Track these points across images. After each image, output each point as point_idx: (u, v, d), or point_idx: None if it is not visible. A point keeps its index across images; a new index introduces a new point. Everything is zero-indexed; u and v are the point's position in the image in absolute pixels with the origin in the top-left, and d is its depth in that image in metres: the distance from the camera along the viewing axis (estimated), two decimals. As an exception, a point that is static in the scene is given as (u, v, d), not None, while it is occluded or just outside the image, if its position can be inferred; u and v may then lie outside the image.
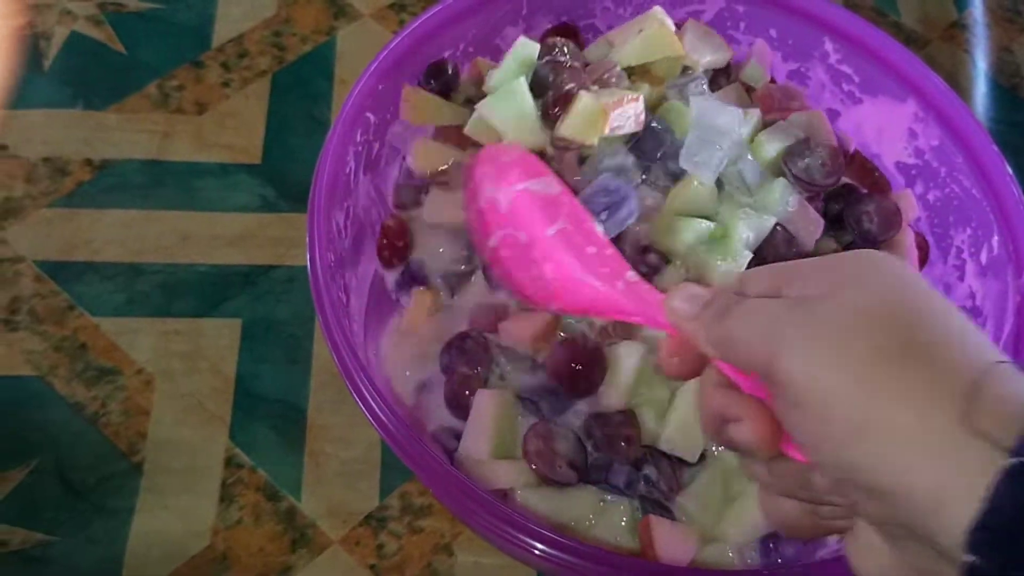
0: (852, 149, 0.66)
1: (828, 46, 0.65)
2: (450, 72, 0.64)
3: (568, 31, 0.65)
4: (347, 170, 0.57)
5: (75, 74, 0.75)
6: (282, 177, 0.71)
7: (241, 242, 0.69)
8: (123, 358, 0.64)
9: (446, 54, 0.63)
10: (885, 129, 0.65)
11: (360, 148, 0.58)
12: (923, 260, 0.63)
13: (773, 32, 0.67)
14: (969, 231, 0.61)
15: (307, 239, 0.53)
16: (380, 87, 0.59)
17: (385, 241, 0.62)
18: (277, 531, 0.59)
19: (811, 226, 0.59)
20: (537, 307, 0.47)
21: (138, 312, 0.66)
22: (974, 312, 0.60)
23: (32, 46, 0.75)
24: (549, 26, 0.67)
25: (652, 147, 0.59)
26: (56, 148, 0.71)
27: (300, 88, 0.76)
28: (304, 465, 0.61)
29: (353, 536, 0.60)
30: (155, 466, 0.61)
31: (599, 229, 0.45)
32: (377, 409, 0.48)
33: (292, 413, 0.63)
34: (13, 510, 0.59)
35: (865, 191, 0.64)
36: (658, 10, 0.64)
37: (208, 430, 0.62)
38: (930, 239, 0.64)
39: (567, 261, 0.43)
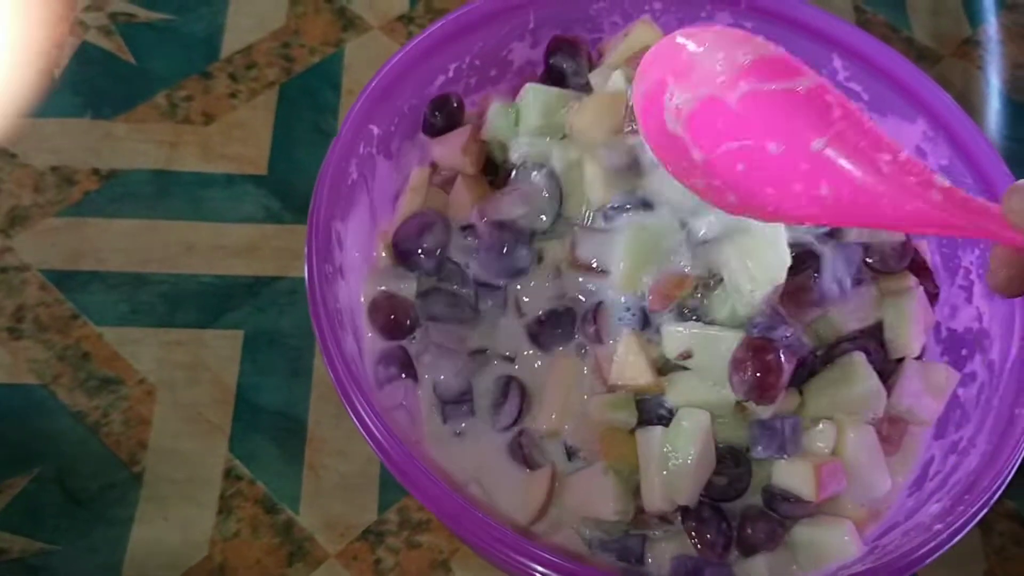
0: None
1: (837, 63, 0.65)
2: (455, 105, 0.64)
3: (571, 43, 0.65)
4: (349, 181, 0.57)
5: (85, 84, 0.75)
6: (287, 188, 0.72)
7: (246, 253, 0.69)
8: (125, 368, 0.64)
9: (451, 67, 0.63)
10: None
11: (363, 159, 0.58)
12: (933, 301, 0.63)
13: (781, 48, 0.66)
14: (977, 252, 0.61)
15: (305, 250, 0.53)
16: (385, 99, 0.59)
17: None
18: (274, 544, 0.59)
19: None
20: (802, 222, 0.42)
21: (141, 322, 0.66)
22: (981, 334, 0.59)
23: (44, 56, 0.76)
24: (552, 35, 0.66)
25: None
26: (64, 157, 0.72)
27: (307, 99, 0.76)
28: (303, 478, 0.61)
29: (350, 550, 0.59)
30: (155, 476, 0.61)
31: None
32: (372, 426, 0.48)
33: (292, 425, 0.63)
34: (14, 518, 0.59)
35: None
36: (646, 18, 0.64)
37: (208, 441, 0.62)
38: (938, 259, 0.64)
39: (854, 176, 0.38)
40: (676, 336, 0.54)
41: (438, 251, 0.60)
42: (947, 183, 0.38)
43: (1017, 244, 0.35)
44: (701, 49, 0.42)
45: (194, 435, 0.62)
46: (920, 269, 0.62)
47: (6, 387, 0.63)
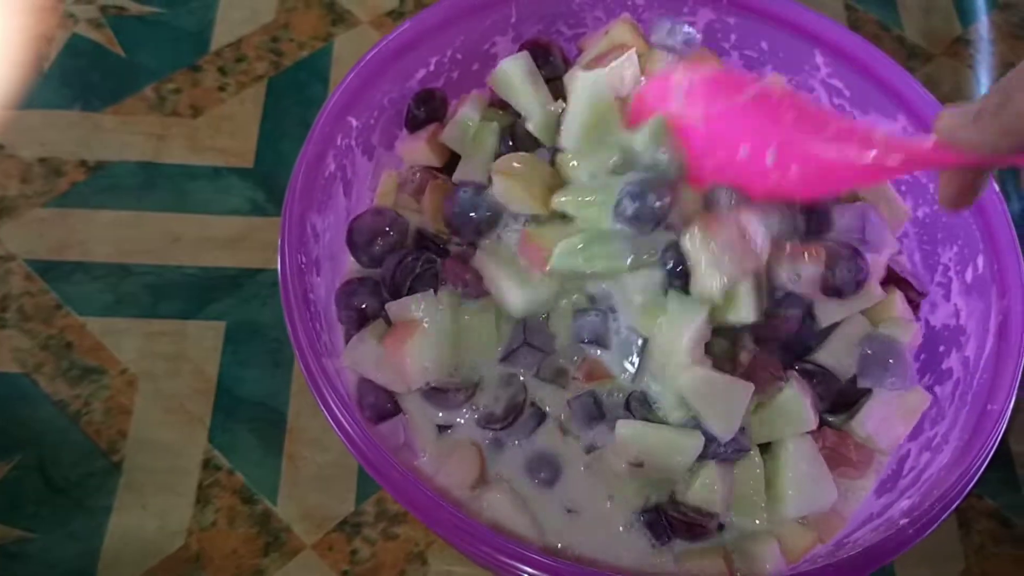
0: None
1: (819, 59, 0.65)
2: (439, 100, 0.64)
3: (543, 47, 0.65)
4: (326, 173, 0.57)
5: (74, 76, 0.76)
6: (273, 181, 0.72)
7: (230, 245, 0.69)
8: (108, 358, 0.65)
9: (432, 60, 0.63)
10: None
11: (341, 151, 0.59)
12: (915, 309, 0.63)
13: (764, 44, 0.66)
14: (955, 249, 0.60)
15: (279, 241, 0.54)
16: (364, 91, 0.59)
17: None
18: (251, 534, 0.60)
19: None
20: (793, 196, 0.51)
21: (125, 312, 0.66)
22: (957, 331, 0.59)
23: (34, 48, 0.76)
24: (535, 30, 0.66)
25: None
26: (52, 149, 0.72)
27: (295, 93, 0.77)
28: (282, 468, 0.62)
29: (327, 541, 0.60)
30: (134, 465, 0.61)
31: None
32: (343, 420, 0.48)
33: (272, 416, 0.63)
34: (-6, 505, 0.59)
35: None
36: (626, 16, 0.64)
37: (188, 431, 0.63)
38: (917, 256, 0.64)
39: (814, 153, 0.45)
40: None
41: (385, 247, 0.60)
42: (883, 133, 0.43)
43: (951, 162, 0.40)
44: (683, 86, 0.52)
45: (174, 425, 0.63)
46: (898, 281, 0.62)
47: (-11, 375, 0.63)
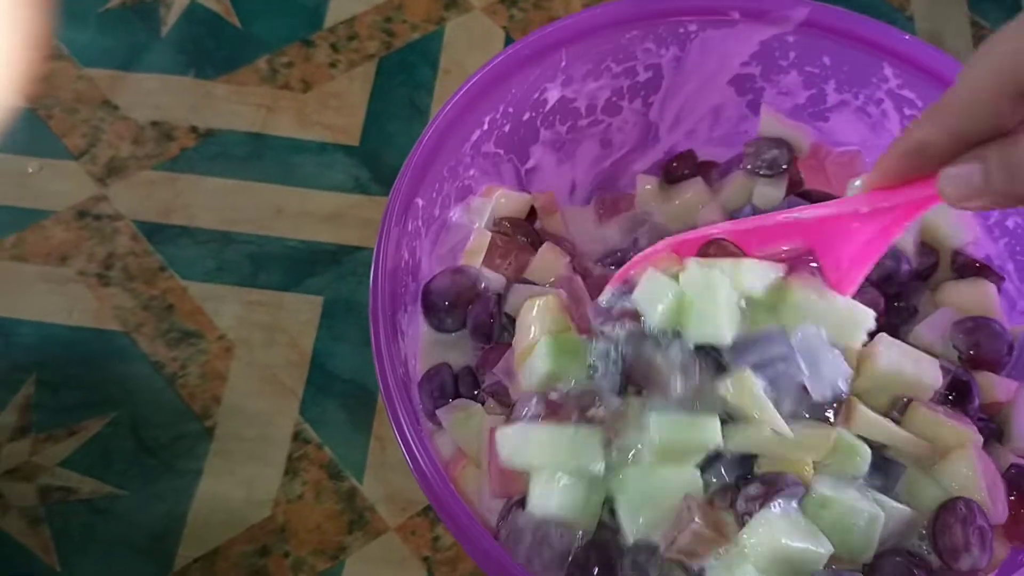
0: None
1: (887, 71, 0.62)
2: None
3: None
4: (401, 263, 0.54)
5: (190, 43, 0.76)
6: (377, 160, 0.72)
7: (331, 220, 0.69)
8: (207, 323, 0.65)
9: (486, 119, 0.60)
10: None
11: (411, 236, 0.56)
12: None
13: (826, 59, 0.63)
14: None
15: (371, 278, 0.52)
16: (429, 166, 0.56)
17: None
18: (336, 510, 0.59)
19: None
20: None
21: (226, 280, 0.67)
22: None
23: (152, 13, 0.78)
24: (586, 69, 0.62)
25: None
26: (165, 113, 0.73)
27: (404, 74, 0.76)
28: (369, 448, 0.61)
29: (410, 525, 0.59)
30: (226, 432, 0.61)
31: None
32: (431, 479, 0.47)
33: (363, 394, 0.63)
34: (87, 460, 0.60)
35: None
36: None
37: (280, 402, 0.63)
38: (1010, 267, 0.61)
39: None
40: None
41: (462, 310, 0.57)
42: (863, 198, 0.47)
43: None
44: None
45: (267, 395, 0.63)
46: (983, 269, 0.61)
47: (91, 331, 0.64)
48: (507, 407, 0.53)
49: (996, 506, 0.51)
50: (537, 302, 0.53)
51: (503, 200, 0.61)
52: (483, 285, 0.57)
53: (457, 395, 0.55)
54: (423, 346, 0.57)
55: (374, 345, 0.49)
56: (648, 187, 0.65)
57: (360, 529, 0.59)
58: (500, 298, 0.57)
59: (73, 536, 0.58)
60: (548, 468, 0.48)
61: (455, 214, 0.60)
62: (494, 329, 0.56)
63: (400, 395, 0.48)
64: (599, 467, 0.48)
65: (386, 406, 0.48)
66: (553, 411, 0.50)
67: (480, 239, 0.59)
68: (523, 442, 0.49)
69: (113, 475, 0.60)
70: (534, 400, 0.50)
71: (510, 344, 0.55)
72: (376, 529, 0.59)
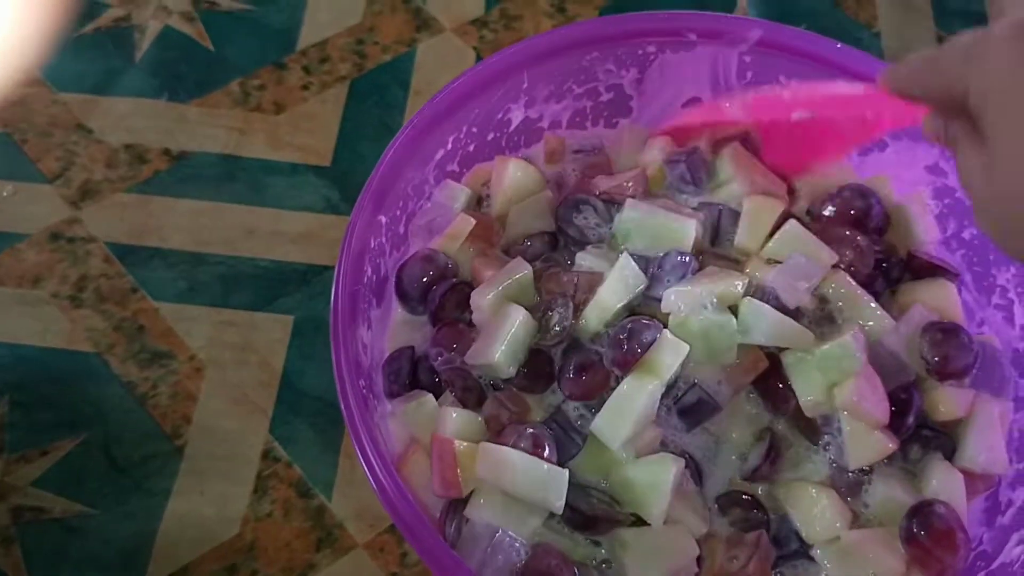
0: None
1: None
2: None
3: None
4: (368, 272, 0.57)
5: (163, 67, 0.77)
6: (348, 181, 0.73)
7: (302, 240, 0.70)
8: (178, 343, 0.66)
9: (450, 139, 0.62)
10: (906, 168, 0.64)
11: (374, 253, 0.58)
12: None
13: (782, 78, 0.64)
14: (1014, 269, 0.59)
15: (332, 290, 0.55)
16: (389, 186, 0.58)
17: None
18: (305, 528, 0.60)
19: None
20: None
21: (197, 300, 0.67)
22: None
23: (127, 37, 0.79)
24: (548, 90, 0.64)
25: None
26: (138, 136, 0.74)
27: (376, 96, 0.77)
28: (339, 466, 0.62)
29: (378, 542, 0.60)
30: (196, 451, 0.62)
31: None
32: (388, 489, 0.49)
33: (332, 412, 0.64)
34: (59, 480, 0.61)
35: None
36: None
37: (250, 421, 0.63)
38: (968, 277, 0.62)
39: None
40: None
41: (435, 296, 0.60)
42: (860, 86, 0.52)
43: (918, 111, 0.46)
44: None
45: (237, 414, 0.64)
46: (938, 269, 0.62)
47: (63, 352, 0.65)
48: (464, 391, 0.56)
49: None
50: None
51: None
52: (450, 266, 0.60)
53: (415, 379, 0.58)
54: (393, 326, 0.61)
55: (335, 363, 0.51)
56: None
57: (329, 546, 0.60)
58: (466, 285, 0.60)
59: (45, 555, 0.59)
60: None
61: (436, 194, 0.63)
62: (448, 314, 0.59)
63: (362, 416, 0.50)
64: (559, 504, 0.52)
65: (348, 427, 0.50)
66: (536, 444, 0.53)
67: (462, 224, 0.61)
68: (501, 463, 0.52)
69: (85, 494, 0.61)
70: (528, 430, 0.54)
71: (460, 323, 0.58)
72: (344, 546, 0.60)
